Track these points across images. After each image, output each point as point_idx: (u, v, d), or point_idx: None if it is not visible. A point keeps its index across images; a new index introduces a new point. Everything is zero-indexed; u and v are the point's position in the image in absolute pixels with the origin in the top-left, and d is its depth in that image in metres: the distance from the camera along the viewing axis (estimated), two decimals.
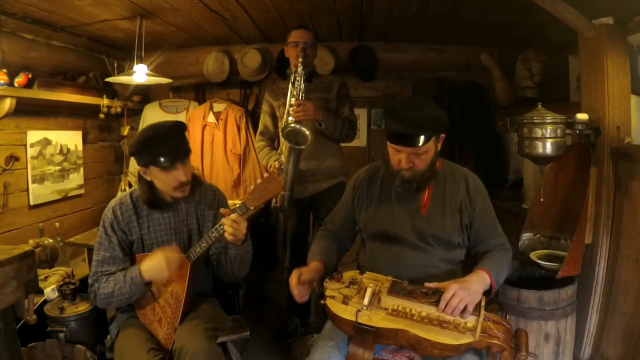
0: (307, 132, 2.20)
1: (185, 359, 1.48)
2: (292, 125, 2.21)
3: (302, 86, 2.28)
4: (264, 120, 2.64)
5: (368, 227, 1.70)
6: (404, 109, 1.51)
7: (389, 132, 1.54)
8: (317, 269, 1.58)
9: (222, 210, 1.61)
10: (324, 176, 2.51)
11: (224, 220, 1.56)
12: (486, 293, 1.45)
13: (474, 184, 1.64)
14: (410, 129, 1.47)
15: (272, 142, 2.62)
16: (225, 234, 1.57)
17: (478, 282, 1.43)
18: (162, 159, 1.58)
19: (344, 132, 2.47)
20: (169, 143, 1.60)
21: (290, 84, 2.32)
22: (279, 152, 2.43)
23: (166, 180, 1.64)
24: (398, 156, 1.54)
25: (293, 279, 1.51)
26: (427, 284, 1.44)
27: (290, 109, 2.26)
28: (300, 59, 2.29)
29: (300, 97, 2.27)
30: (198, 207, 1.80)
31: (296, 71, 2.30)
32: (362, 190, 1.75)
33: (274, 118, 2.60)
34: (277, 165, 2.38)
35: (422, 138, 1.47)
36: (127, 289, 1.60)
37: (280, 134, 2.29)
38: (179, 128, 1.68)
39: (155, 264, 1.59)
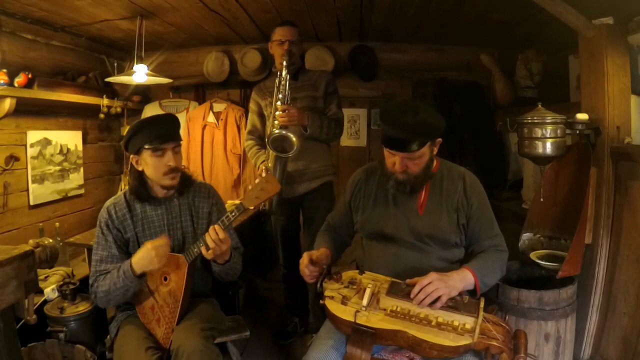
0: (294, 139, 2.16)
1: (182, 359, 1.48)
2: (278, 131, 2.17)
3: (288, 91, 2.22)
4: (252, 119, 2.61)
5: (365, 227, 1.70)
6: (398, 113, 1.50)
7: (384, 135, 1.53)
8: (326, 253, 1.64)
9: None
10: (312, 176, 2.49)
11: (210, 230, 1.57)
12: (471, 293, 1.45)
13: (471, 184, 1.64)
14: (404, 134, 1.46)
15: (261, 140, 2.58)
16: (203, 247, 1.59)
17: (459, 279, 1.43)
18: (152, 138, 1.63)
19: (331, 132, 2.43)
20: (159, 124, 1.68)
21: (275, 87, 2.27)
22: (266, 154, 2.40)
23: (156, 166, 1.66)
24: (392, 159, 1.54)
25: (304, 259, 1.57)
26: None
27: (277, 113, 2.21)
28: (284, 62, 2.23)
29: (285, 101, 2.22)
30: (192, 204, 1.81)
31: (281, 74, 2.23)
32: (360, 190, 1.75)
33: (262, 117, 2.57)
34: (265, 167, 2.36)
35: (416, 144, 1.46)
36: (121, 283, 1.61)
37: (267, 141, 2.25)
38: (170, 116, 1.79)
39: (144, 255, 1.59)
